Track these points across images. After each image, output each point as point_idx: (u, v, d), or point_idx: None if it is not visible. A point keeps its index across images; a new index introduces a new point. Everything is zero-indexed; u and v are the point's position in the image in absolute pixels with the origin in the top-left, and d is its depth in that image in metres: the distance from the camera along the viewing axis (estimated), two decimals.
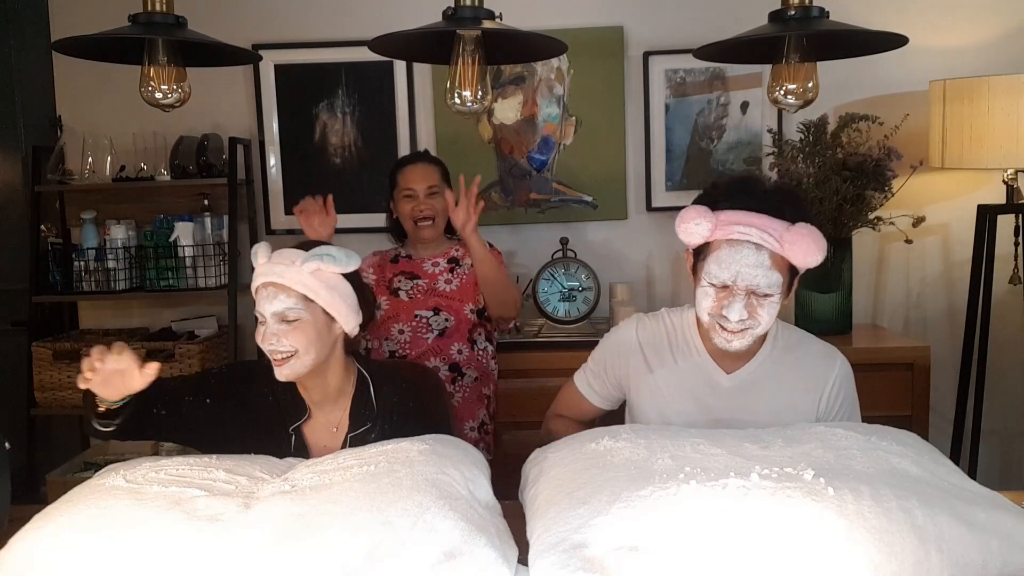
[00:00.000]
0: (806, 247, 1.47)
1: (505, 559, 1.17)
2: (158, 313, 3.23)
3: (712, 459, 1.27)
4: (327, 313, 1.61)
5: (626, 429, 1.42)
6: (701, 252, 1.57)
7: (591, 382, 1.81)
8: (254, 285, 1.62)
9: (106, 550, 1.15)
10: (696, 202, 1.58)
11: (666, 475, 1.21)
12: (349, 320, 1.65)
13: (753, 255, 1.49)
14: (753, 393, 1.64)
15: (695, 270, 1.60)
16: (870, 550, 1.06)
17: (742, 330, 1.53)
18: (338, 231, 2.28)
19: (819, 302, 2.82)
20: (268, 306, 1.57)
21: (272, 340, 1.57)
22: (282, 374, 1.59)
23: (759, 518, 1.10)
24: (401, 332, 2.35)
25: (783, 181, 2.66)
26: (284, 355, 1.58)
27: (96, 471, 1.48)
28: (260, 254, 1.61)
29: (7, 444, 1.49)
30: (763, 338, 1.66)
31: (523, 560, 1.20)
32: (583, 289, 2.92)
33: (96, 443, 3.24)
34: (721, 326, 1.54)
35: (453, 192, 2.41)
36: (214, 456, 1.42)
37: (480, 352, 2.42)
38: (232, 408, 1.67)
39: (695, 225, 1.52)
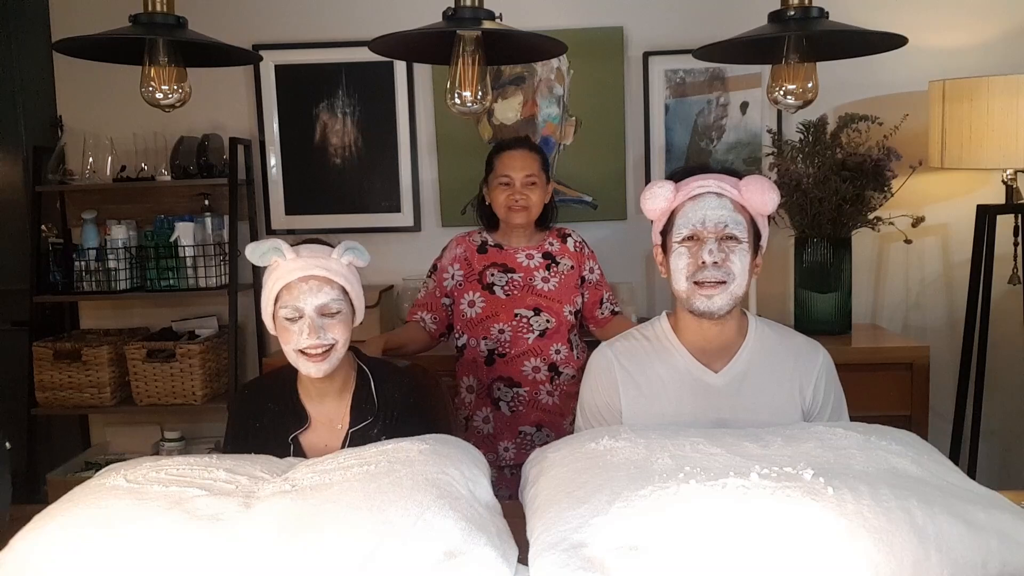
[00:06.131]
0: (760, 188, 1.58)
1: (505, 558, 1.17)
2: (159, 313, 3.23)
3: (712, 458, 1.27)
4: (353, 306, 1.65)
5: (626, 429, 1.42)
6: (668, 226, 1.62)
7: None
8: (286, 280, 1.57)
9: (107, 550, 1.15)
10: None
11: (666, 474, 1.21)
12: (362, 314, 1.68)
13: (716, 200, 1.58)
14: (746, 389, 1.63)
15: (665, 250, 1.64)
16: (869, 550, 1.06)
17: (719, 283, 1.56)
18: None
19: (819, 302, 2.82)
20: (312, 299, 1.57)
21: (319, 333, 1.56)
22: (321, 369, 1.59)
23: (759, 517, 1.10)
24: (501, 332, 2.30)
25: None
26: (325, 348, 1.58)
27: (97, 471, 1.48)
28: (285, 250, 1.59)
29: (8, 444, 1.49)
30: (744, 331, 1.67)
31: (523, 559, 1.20)
32: None
33: (97, 443, 3.25)
34: (698, 283, 1.57)
35: (552, 183, 2.40)
36: (214, 456, 1.42)
37: (578, 350, 2.38)
38: (251, 422, 1.70)
39: (658, 188, 1.61)
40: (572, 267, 2.39)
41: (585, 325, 2.47)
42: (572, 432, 2.33)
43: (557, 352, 2.33)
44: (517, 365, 2.30)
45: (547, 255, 2.38)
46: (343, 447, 1.66)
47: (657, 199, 1.61)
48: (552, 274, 2.36)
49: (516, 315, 2.30)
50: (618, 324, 2.38)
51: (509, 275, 2.34)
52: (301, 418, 1.68)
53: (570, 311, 2.35)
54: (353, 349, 1.76)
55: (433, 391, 1.82)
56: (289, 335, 1.58)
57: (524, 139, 2.45)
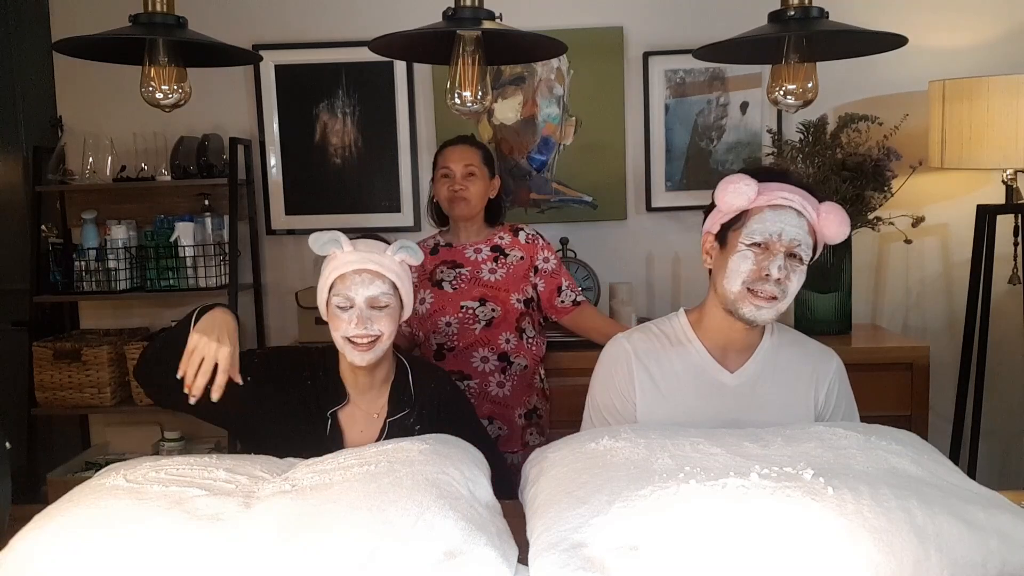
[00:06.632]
0: (838, 220, 1.58)
1: (505, 558, 1.17)
2: (159, 313, 3.23)
3: (712, 458, 1.27)
4: (401, 302, 1.70)
5: (626, 429, 1.42)
6: (735, 222, 1.59)
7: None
8: (341, 271, 1.66)
9: (107, 550, 1.15)
10: None
11: (666, 474, 1.21)
12: (409, 310, 1.75)
13: (795, 218, 1.56)
14: (759, 390, 1.64)
15: (725, 242, 1.61)
16: (870, 550, 1.06)
17: (773, 298, 1.56)
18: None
19: (819, 302, 2.82)
20: (363, 290, 1.64)
21: (366, 324, 1.63)
22: (365, 359, 1.65)
23: (759, 518, 1.10)
24: (448, 324, 2.32)
25: None
26: (371, 339, 1.65)
27: (97, 471, 1.48)
28: (344, 243, 1.67)
29: (8, 444, 1.48)
30: (761, 332, 1.67)
31: (523, 559, 1.20)
32: (583, 289, 2.90)
33: (97, 443, 3.25)
34: (755, 293, 1.56)
35: (498, 179, 2.43)
36: (214, 456, 1.43)
37: (530, 340, 2.39)
38: (270, 389, 1.71)
39: (744, 186, 1.57)
40: (522, 257, 2.41)
41: (548, 317, 2.48)
42: (523, 425, 2.35)
43: (507, 341, 2.34)
44: (466, 357, 2.32)
45: (496, 248, 2.41)
46: (380, 436, 1.72)
47: (740, 197, 1.57)
48: (500, 265, 2.38)
49: (462, 307, 2.33)
50: (584, 312, 2.44)
51: (457, 270, 2.37)
52: (339, 395, 1.73)
53: (519, 299, 2.36)
54: (393, 344, 1.83)
55: (464, 395, 1.88)
56: (339, 323, 1.66)
57: (466, 136, 2.50)
